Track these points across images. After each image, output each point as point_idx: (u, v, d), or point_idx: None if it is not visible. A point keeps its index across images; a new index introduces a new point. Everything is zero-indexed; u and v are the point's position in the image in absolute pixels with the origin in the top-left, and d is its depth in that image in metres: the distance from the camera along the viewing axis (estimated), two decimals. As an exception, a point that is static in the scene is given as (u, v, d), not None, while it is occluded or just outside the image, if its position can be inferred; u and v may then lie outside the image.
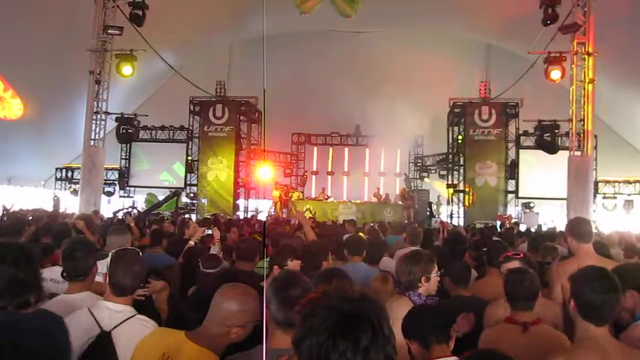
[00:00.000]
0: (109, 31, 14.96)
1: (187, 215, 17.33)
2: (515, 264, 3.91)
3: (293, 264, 3.91)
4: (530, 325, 3.07)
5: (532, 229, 13.74)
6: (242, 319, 2.45)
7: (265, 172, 22.24)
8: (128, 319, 2.81)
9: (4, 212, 8.82)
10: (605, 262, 3.77)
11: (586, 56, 14.53)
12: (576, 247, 4.22)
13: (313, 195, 23.61)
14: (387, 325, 1.35)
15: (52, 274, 3.76)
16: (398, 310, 3.17)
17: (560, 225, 14.53)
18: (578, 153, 15.02)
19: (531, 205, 19.69)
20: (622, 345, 2.62)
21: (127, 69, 15.17)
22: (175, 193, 17.40)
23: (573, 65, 14.72)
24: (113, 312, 2.82)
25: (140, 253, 3.17)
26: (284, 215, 18.85)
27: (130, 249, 3.12)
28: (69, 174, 22.20)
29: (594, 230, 11.94)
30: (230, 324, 2.43)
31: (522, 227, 14.42)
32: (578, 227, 4.29)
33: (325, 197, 22.66)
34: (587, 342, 2.55)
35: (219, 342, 2.44)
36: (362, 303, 1.37)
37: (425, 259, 3.59)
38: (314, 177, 25.48)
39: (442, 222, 12.82)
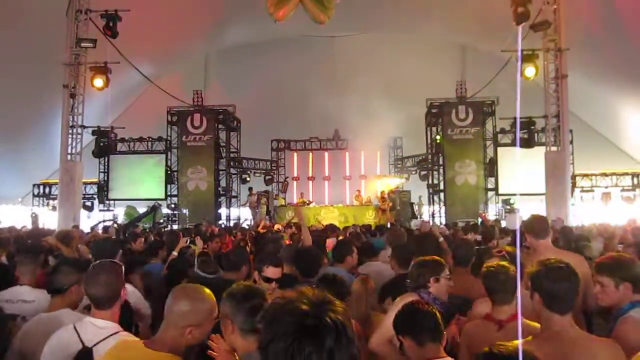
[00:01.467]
0: (82, 44, 14.80)
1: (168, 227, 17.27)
2: (495, 261, 3.94)
3: (270, 271, 3.86)
4: (505, 323, 3.10)
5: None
6: (194, 318, 2.42)
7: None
8: (112, 335, 2.77)
9: None
10: (565, 254, 3.97)
11: (558, 53, 14.73)
12: (535, 244, 4.38)
13: (295, 201, 23.57)
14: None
15: (7, 294, 3.78)
16: None
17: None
18: (554, 148, 15.22)
19: (511, 201, 19.87)
20: (585, 334, 2.76)
21: (98, 82, 14.99)
22: (154, 208, 17.24)
23: (545, 62, 14.92)
24: (97, 328, 2.78)
25: (122, 266, 3.11)
26: (268, 222, 18.79)
27: (106, 261, 3.07)
28: (47, 190, 21.94)
29: (577, 224, 12.10)
30: (183, 324, 2.40)
31: (503, 224, 14.53)
32: (533, 224, 4.45)
33: (307, 202, 22.64)
34: (549, 332, 2.65)
35: (177, 344, 2.42)
36: (324, 306, 1.38)
37: (434, 262, 3.71)
38: (295, 182, 25.46)
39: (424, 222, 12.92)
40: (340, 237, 8.37)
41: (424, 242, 5.64)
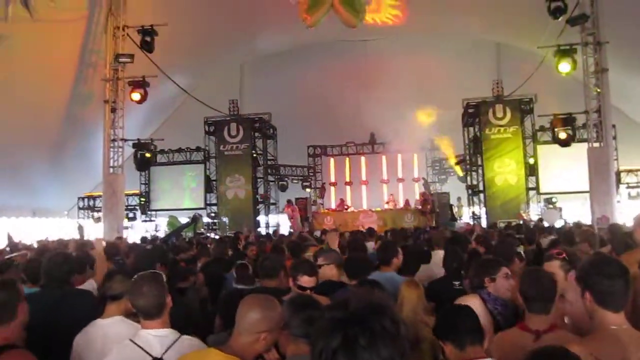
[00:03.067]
0: (120, 59, 15.17)
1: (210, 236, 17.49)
2: (555, 266, 3.65)
3: (305, 280, 3.86)
4: (543, 334, 2.89)
5: (556, 225, 13.56)
6: (268, 324, 2.53)
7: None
8: (175, 341, 2.83)
9: (9, 243, 8.87)
10: None
11: (596, 46, 14.40)
12: None
13: (333, 207, 23.60)
14: (392, 325, 1.36)
15: None
16: None
17: (585, 219, 14.39)
18: (597, 144, 14.84)
19: (553, 200, 19.47)
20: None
21: (136, 96, 15.34)
22: (194, 218, 17.50)
23: (584, 57, 14.60)
24: (158, 337, 2.83)
25: (163, 275, 3.18)
26: (307, 229, 18.88)
27: (147, 272, 3.13)
28: (91, 203, 22.51)
29: (623, 222, 11.76)
30: (257, 330, 2.51)
31: (545, 223, 14.23)
32: None
33: (345, 207, 22.67)
34: (603, 331, 2.52)
35: (250, 351, 2.53)
36: (364, 306, 1.39)
37: (489, 262, 3.70)
38: (332, 188, 25.49)
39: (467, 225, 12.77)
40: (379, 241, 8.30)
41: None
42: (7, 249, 8.64)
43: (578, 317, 2.86)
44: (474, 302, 3.40)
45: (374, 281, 4.27)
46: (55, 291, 3.93)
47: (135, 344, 2.82)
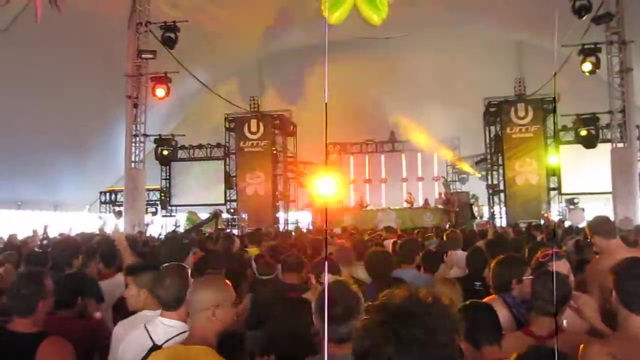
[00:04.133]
0: (143, 55, 15.33)
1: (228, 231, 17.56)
2: (563, 265, 3.67)
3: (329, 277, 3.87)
4: (547, 338, 2.78)
5: (580, 226, 13.38)
6: (215, 298, 2.58)
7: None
8: (179, 333, 2.87)
9: (45, 236, 8.98)
10: (638, 252, 3.68)
11: (622, 45, 14.19)
12: (605, 245, 4.17)
13: (352, 204, 23.57)
14: (423, 333, 1.32)
15: None
16: None
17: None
18: (621, 145, 14.65)
19: (575, 201, 19.23)
20: None
21: (160, 92, 15.50)
22: (215, 214, 17.60)
23: (609, 56, 14.41)
24: (166, 327, 2.91)
25: (188, 268, 3.23)
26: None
27: (173, 264, 3.19)
28: (113, 197, 22.76)
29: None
30: (205, 306, 2.55)
31: (567, 224, 14.06)
32: (601, 224, 4.27)
33: (364, 205, 22.63)
34: (627, 331, 2.51)
35: (208, 333, 2.55)
36: (397, 311, 1.37)
37: (515, 261, 3.56)
38: (351, 186, 25.46)
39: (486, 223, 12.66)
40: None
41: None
42: (44, 241, 8.81)
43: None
44: (495, 304, 3.35)
45: (401, 279, 4.25)
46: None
47: (146, 329, 2.93)
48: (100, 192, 22.87)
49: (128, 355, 2.90)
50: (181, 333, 2.88)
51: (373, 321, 1.37)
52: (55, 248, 5.84)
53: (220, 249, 7.12)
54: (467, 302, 2.88)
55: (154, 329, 2.92)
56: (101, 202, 22.91)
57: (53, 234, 11.63)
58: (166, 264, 3.19)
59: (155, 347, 2.82)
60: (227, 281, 2.75)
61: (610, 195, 14.99)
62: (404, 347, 1.30)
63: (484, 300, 3.49)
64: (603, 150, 15.46)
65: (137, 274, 3.48)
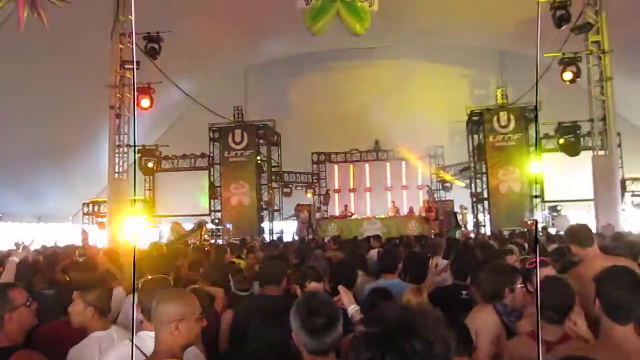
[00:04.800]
0: (126, 66, 15.23)
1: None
2: (549, 271, 3.70)
3: (312, 286, 3.82)
4: (555, 345, 2.81)
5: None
6: (178, 312, 2.54)
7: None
8: None
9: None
10: (615, 260, 3.71)
11: (601, 55, 14.39)
12: (582, 253, 4.23)
13: (337, 213, 23.60)
14: (423, 347, 1.33)
15: None
16: (480, 320, 3.17)
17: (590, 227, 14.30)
18: (602, 152, 14.81)
19: (558, 208, 19.43)
20: None
21: (145, 102, 15.41)
22: (200, 224, 17.50)
23: (589, 65, 14.60)
24: (153, 338, 2.86)
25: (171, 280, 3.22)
26: (311, 236, 18.89)
27: (156, 277, 3.17)
28: (96, 208, 22.54)
29: (628, 230, 11.73)
30: (169, 319, 2.51)
31: (552, 231, 14.19)
32: (577, 233, 4.32)
33: (349, 214, 22.67)
34: (608, 340, 2.52)
35: (173, 346, 2.51)
36: (397, 324, 1.37)
37: (509, 271, 3.53)
38: (336, 195, 25.48)
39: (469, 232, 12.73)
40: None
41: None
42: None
43: None
44: (488, 312, 3.36)
45: (385, 289, 4.26)
46: None
47: (134, 344, 2.88)
48: (84, 203, 22.62)
49: None
50: None
51: (371, 333, 1.37)
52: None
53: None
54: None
55: (142, 343, 2.87)
56: (84, 214, 22.66)
57: (36, 246, 11.45)
58: (150, 277, 3.17)
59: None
60: (192, 295, 2.70)
61: (592, 202, 15.14)
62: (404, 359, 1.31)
63: (476, 308, 3.51)
64: (584, 158, 15.62)
65: (86, 290, 3.37)
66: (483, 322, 3.28)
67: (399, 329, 1.34)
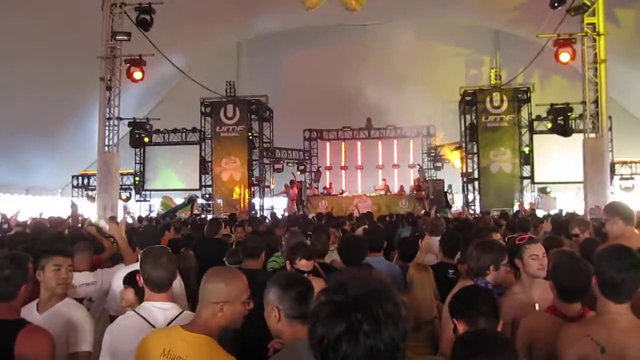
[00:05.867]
0: (117, 37, 15.01)
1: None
2: (539, 247, 3.67)
3: (302, 264, 3.85)
4: (577, 319, 2.84)
5: (551, 212, 13.60)
6: (226, 294, 2.48)
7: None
8: (179, 315, 2.85)
9: (3, 220, 8.64)
10: None
11: (596, 37, 14.34)
12: (624, 230, 4.27)
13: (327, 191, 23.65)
14: (394, 309, 1.36)
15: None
16: None
17: (578, 210, 14.44)
18: (593, 135, 14.85)
19: (547, 190, 19.55)
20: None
21: (137, 74, 15.27)
22: (191, 199, 17.48)
23: (584, 47, 14.55)
24: (162, 310, 2.86)
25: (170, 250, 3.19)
26: (301, 212, 18.91)
27: (161, 246, 3.16)
28: (86, 181, 22.43)
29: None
30: (215, 300, 2.46)
31: (539, 213, 14.26)
32: (626, 210, 4.34)
33: (340, 191, 22.77)
34: (602, 317, 2.60)
35: (212, 324, 2.47)
36: (366, 290, 1.38)
37: (496, 249, 3.51)
38: (327, 172, 25.49)
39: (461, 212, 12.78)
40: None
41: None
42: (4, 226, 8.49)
43: None
44: None
45: (367, 264, 4.30)
46: None
47: (139, 314, 2.86)
48: (73, 176, 22.49)
49: (125, 346, 2.73)
50: (181, 313, 2.86)
51: (341, 302, 1.36)
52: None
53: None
54: (467, 286, 2.89)
55: (149, 314, 2.85)
56: (74, 186, 22.54)
57: (24, 218, 11.38)
58: (154, 246, 3.15)
59: None
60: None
61: (581, 185, 15.23)
62: (379, 324, 1.31)
63: (458, 284, 3.52)
64: (575, 141, 15.68)
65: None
66: None
67: (367, 294, 1.36)
